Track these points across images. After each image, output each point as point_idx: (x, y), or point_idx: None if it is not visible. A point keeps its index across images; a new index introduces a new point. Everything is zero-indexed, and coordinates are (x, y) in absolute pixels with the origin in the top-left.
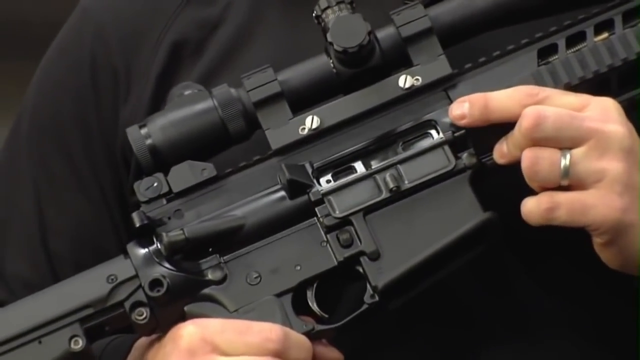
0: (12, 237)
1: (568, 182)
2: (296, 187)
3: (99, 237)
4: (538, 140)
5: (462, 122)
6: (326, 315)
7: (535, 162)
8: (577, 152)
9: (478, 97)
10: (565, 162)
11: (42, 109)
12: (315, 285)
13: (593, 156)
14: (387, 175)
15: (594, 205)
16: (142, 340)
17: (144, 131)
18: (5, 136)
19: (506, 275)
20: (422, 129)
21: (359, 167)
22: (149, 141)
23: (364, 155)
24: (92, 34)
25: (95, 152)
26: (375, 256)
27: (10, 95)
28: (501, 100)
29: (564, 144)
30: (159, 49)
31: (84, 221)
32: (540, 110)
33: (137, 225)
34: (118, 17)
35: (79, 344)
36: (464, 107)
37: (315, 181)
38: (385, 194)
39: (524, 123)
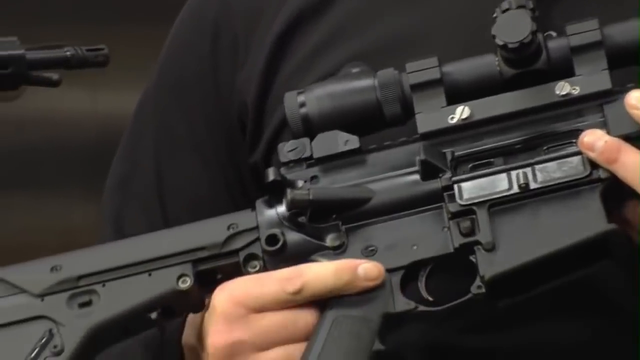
0: (132, 193)
1: None
2: (429, 169)
3: (213, 198)
4: None
5: (588, 153)
6: (431, 299)
7: None
8: None
9: (612, 146)
10: None
11: (168, 68)
12: (428, 269)
13: None
14: (521, 173)
15: None
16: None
17: (300, 99)
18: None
19: None
20: (569, 137)
21: (499, 163)
22: (303, 110)
23: (507, 153)
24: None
25: (212, 113)
26: (489, 247)
27: (145, 59)
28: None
29: None
30: (275, 20)
31: (198, 181)
32: None
33: (270, 179)
34: None
35: (186, 283)
36: (597, 145)
37: (451, 169)
38: (514, 190)
39: None
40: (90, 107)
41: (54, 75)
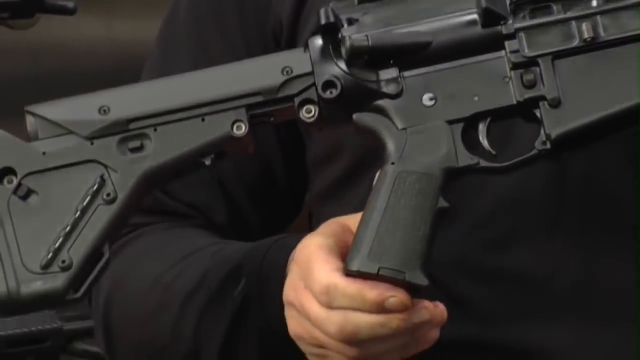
0: None
1: None
2: (490, 17)
3: None
4: None
5: None
6: (494, 152)
7: None
8: None
9: None
10: None
11: None
12: (488, 120)
13: None
14: (584, 24)
15: None
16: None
17: None
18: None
19: None
20: None
21: (557, 9)
22: None
23: None
24: None
25: (249, 31)
26: (555, 103)
27: None
28: None
29: None
30: None
31: None
32: None
33: (323, 22)
34: None
35: (241, 130)
36: None
37: (511, 14)
38: (577, 43)
39: None
40: (105, 34)
41: (69, 3)
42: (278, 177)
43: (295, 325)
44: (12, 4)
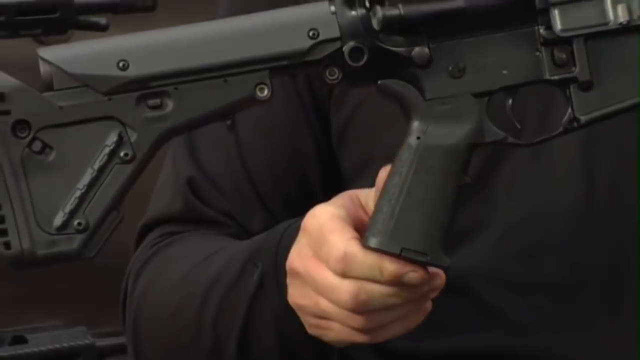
0: None
1: None
2: None
3: (291, 127)
4: None
5: None
6: (519, 127)
7: None
8: None
9: None
10: None
11: None
12: (513, 95)
13: None
14: (620, 6)
15: None
16: None
17: None
18: None
19: None
20: None
21: None
22: None
23: None
24: None
25: None
26: (586, 87)
27: (193, 1)
28: None
29: None
30: None
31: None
32: None
33: None
34: None
35: (264, 92)
36: None
37: None
38: (612, 25)
39: None
40: None
41: (102, 20)
42: (314, 191)
43: (297, 295)
44: (44, 20)
